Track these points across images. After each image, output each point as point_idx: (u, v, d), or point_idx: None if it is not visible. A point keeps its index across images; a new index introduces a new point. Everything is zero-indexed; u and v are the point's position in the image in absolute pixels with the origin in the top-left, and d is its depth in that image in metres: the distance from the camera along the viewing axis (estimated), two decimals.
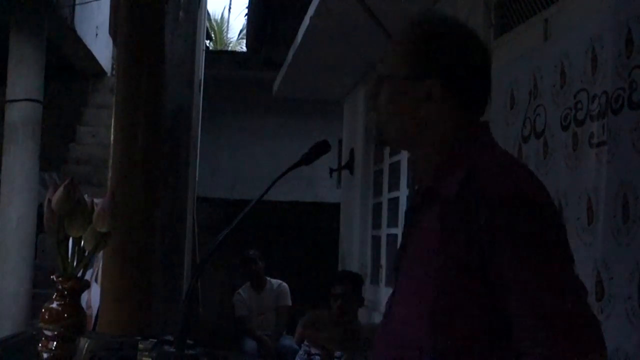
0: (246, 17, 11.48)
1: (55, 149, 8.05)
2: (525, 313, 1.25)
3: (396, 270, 1.49)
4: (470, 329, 1.31)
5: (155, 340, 1.86)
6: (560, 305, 1.23)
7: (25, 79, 6.32)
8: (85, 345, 1.98)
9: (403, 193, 5.38)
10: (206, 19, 11.58)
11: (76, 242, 1.56)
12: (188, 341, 1.73)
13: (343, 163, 7.02)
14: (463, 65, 1.42)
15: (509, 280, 1.26)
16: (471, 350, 1.31)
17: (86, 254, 1.57)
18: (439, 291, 1.32)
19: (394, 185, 5.70)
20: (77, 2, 7.23)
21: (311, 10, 4.99)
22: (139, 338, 1.92)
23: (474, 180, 1.33)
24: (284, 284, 6.91)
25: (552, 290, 1.24)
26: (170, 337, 1.83)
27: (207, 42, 13.25)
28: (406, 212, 1.57)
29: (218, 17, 18.52)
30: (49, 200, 1.53)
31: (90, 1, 7.44)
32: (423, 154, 1.46)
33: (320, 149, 1.64)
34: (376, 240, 6.25)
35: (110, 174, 4.21)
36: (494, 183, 1.31)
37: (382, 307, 1.60)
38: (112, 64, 8.77)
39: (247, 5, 11.86)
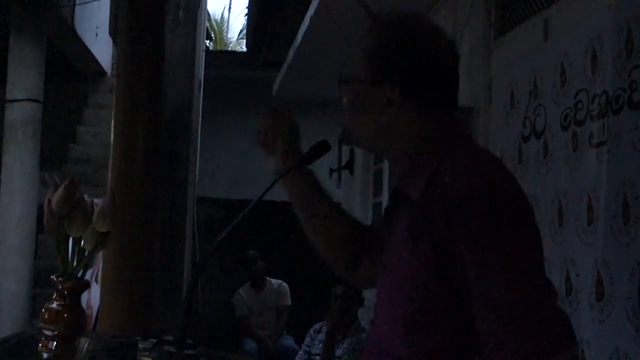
0: (246, 17, 11.48)
1: (55, 149, 8.05)
2: (487, 315, 1.20)
3: (380, 271, 1.45)
4: (440, 336, 1.28)
5: (155, 340, 1.86)
6: (523, 305, 1.18)
7: (25, 79, 6.33)
8: (85, 345, 1.98)
9: None
10: (206, 19, 11.57)
11: (76, 242, 1.56)
12: (188, 341, 1.73)
13: (343, 163, 7.01)
14: (423, 69, 1.37)
15: (471, 281, 1.22)
16: (441, 356, 1.28)
17: (86, 254, 1.57)
18: (408, 296, 1.29)
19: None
20: (77, 2, 7.22)
21: (311, 10, 4.98)
22: (139, 338, 1.92)
23: (437, 180, 1.29)
24: (284, 284, 6.91)
25: (514, 290, 1.19)
26: (170, 337, 1.83)
27: (207, 42, 13.24)
28: (383, 216, 1.54)
29: (218, 17, 18.52)
30: (49, 200, 1.53)
31: (91, 1, 7.44)
32: (392, 157, 1.45)
33: (320, 149, 1.64)
34: None
35: (110, 174, 4.21)
36: (454, 181, 1.26)
37: None
38: (112, 64, 8.76)
39: (247, 5, 11.86)
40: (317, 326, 5.05)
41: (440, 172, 1.29)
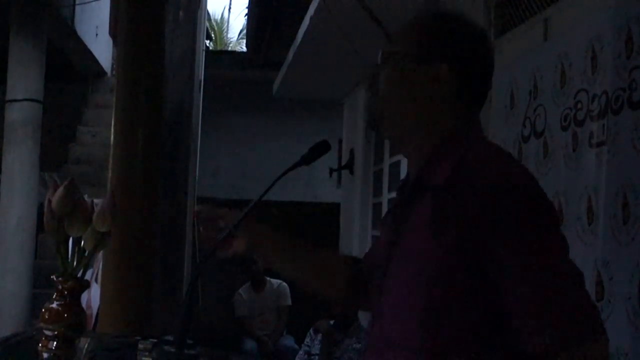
0: (246, 17, 11.48)
1: (55, 149, 8.05)
2: (525, 302, 1.23)
3: (384, 268, 1.44)
4: (464, 322, 1.29)
5: (155, 340, 1.86)
6: (561, 293, 1.22)
7: (25, 79, 6.33)
8: (85, 345, 1.98)
9: None
10: (206, 19, 11.57)
11: (76, 242, 1.56)
12: (188, 341, 1.73)
13: (343, 163, 7.01)
14: (471, 55, 1.43)
15: (506, 268, 1.24)
16: (468, 344, 1.29)
17: (86, 254, 1.57)
18: (431, 284, 1.29)
19: (394, 185, 5.70)
20: (77, 2, 7.23)
21: (311, 10, 4.98)
22: (139, 338, 1.92)
23: (466, 167, 1.31)
24: (284, 283, 6.91)
25: (552, 279, 1.23)
26: (170, 337, 1.83)
27: (207, 42, 13.24)
28: (393, 209, 1.54)
29: (218, 17, 18.53)
30: (49, 200, 1.53)
31: (91, 1, 7.44)
32: (418, 140, 1.43)
33: (320, 149, 1.64)
34: (376, 240, 6.24)
35: (110, 174, 4.21)
36: (485, 171, 1.30)
37: None
38: (112, 64, 8.76)
39: (247, 5, 11.86)
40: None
41: (469, 160, 1.32)
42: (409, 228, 1.39)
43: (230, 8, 22.30)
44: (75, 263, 1.56)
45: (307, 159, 1.63)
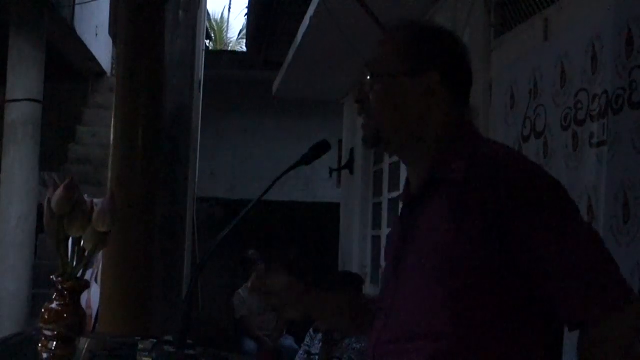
0: (246, 17, 11.48)
1: (55, 149, 8.05)
2: (571, 282, 1.29)
3: (396, 264, 1.47)
4: (491, 314, 1.33)
5: (155, 340, 1.86)
6: (597, 263, 1.29)
7: (25, 79, 6.32)
8: (85, 345, 1.99)
9: None
10: (206, 19, 11.57)
11: (76, 242, 1.56)
12: (188, 341, 1.73)
13: (343, 163, 7.02)
14: (456, 61, 1.46)
15: (539, 250, 1.30)
16: (490, 330, 1.33)
17: (86, 254, 1.57)
18: (458, 272, 1.33)
19: (394, 185, 5.70)
20: (77, 2, 7.22)
21: (311, 10, 4.98)
22: (139, 338, 1.92)
23: (481, 162, 1.36)
24: None
25: (585, 251, 1.30)
26: (170, 337, 1.83)
27: (207, 42, 13.24)
28: (401, 212, 1.55)
29: (218, 17, 18.53)
30: (49, 200, 1.53)
31: (90, 1, 7.44)
32: (421, 148, 1.45)
33: (320, 149, 1.64)
34: (376, 240, 6.25)
35: (110, 174, 4.21)
36: (502, 164, 1.35)
37: None
38: (112, 64, 8.76)
39: (247, 5, 11.86)
40: (317, 326, 5.05)
41: (481, 156, 1.38)
42: (424, 224, 1.41)
43: (230, 8, 22.35)
44: (75, 263, 1.56)
45: (307, 159, 1.63)
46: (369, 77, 1.48)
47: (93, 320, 4.46)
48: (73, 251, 1.56)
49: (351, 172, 6.88)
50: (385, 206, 6.00)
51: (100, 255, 4.25)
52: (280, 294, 1.59)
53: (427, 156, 1.45)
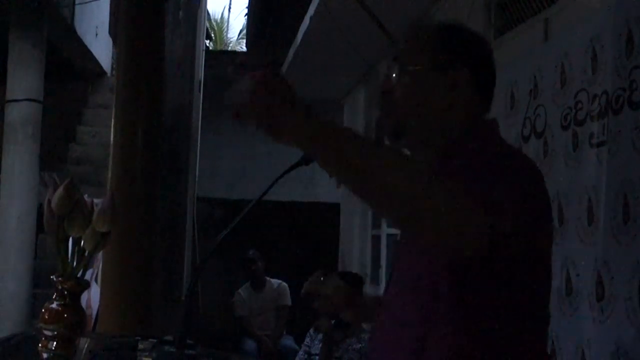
0: (246, 17, 11.48)
1: (55, 149, 8.04)
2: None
3: (396, 257, 1.49)
4: (492, 292, 1.32)
5: (155, 340, 1.86)
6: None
7: (25, 79, 6.32)
8: (85, 345, 1.98)
9: None
10: (206, 19, 11.57)
11: (76, 242, 1.56)
12: (188, 341, 1.73)
13: None
14: (485, 60, 1.49)
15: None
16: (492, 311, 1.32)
17: (86, 254, 1.57)
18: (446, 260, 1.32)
19: None
20: (77, 2, 7.22)
21: (311, 10, 4.98)
22: (139, 338, 1.92)
23: (468, 150, 1.37)
24: (284, 283, 6.91)
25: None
26: (170, 337, 1.83)
27: (207, 42, 13.24)
28: None
29: (218, 17, 18.53)
30: (49, 200, 1.53)
31: (90, 1, 7.44)
32: (438, 144, 1.45)
33: None
34: (376, 240, 6.25)
35: (110, 174, 4.21)
36: (486, 150, 1.37)
37: None
38: (112, 64, 8.76)
39: (247, 5, 11.86)
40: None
41: (474, 146, 1.38)
42: None
43: (230, 8, 22.35)
44: (75, 263, 1.56)
45: (307, 159, 1.63)
46: (396, 70, 1.47)
47: (93, 320, 4.46)
48: (73, 251, 1.56)
49: None
50: None
51: (100, 255, 4.26)
52: (333, 299, 1.63)
53: (442, 152, 1.44)
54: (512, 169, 1.34)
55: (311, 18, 5.02)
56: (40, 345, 1.55)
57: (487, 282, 1.31)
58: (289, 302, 6.87)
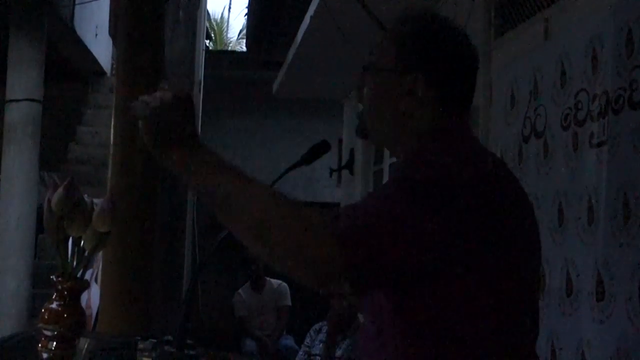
0: (246, 17, 11.48)
1: (55, 149, 8.05)
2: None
3: None
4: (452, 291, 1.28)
5: (155, 340, 1.86)
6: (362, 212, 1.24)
7: (25, 79, 6.32)
8: (85, 345, 1.98)
9: None
10: (206, 19, 11.57)
11: (76, 242, 1.56)
12: (188, 341, 1.73)
13: (343, 163, 7.01)
14: (448, 64, 1.40)
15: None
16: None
17: (86, 254, 1.57)
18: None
19: None
20: (77, 2, 7.22)
21: (311, 10, 4.98)
22: (139, 338, 1.92)
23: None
24: (284, 284, 6.90)
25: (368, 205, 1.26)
26: (170, 337, 1.83)
27: (207, 42, 13.24)
28: None
29: (218, 17, 18.51)
30: (49, 200, 1.53)
31: (90, 1, 7.44)
32: (399, 149, 1.45)
33: (320, 149, 1.64)
34: None
35: (110, 174, 4.21)
36: (415, 160, 1.35)
37: None
38: (112, 64, 8.76)
39: (247, 5, 11.86)
40: (317, 326, 5.05)
41: (421, 156, 1.35)
42: None
43: (230, 8, 22.36)
44: (75, 263, 1.56)
45: (307, 159, 1.63)
46: (363, 68, 1.47)
47: (93, 320, 4.46)
48: (73, 251, 1.56)
49: (351, 172, 6.87)
50: None
51: (100, 255, 4.25)
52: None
53: (403, 159, 1.44)
54: (444, 184, 1.24)
55: (311, 18, 5.02)
56: (40, 345, 1.55)
57: (429, 306, 1.26)
58: (288, 302, 6.87)
